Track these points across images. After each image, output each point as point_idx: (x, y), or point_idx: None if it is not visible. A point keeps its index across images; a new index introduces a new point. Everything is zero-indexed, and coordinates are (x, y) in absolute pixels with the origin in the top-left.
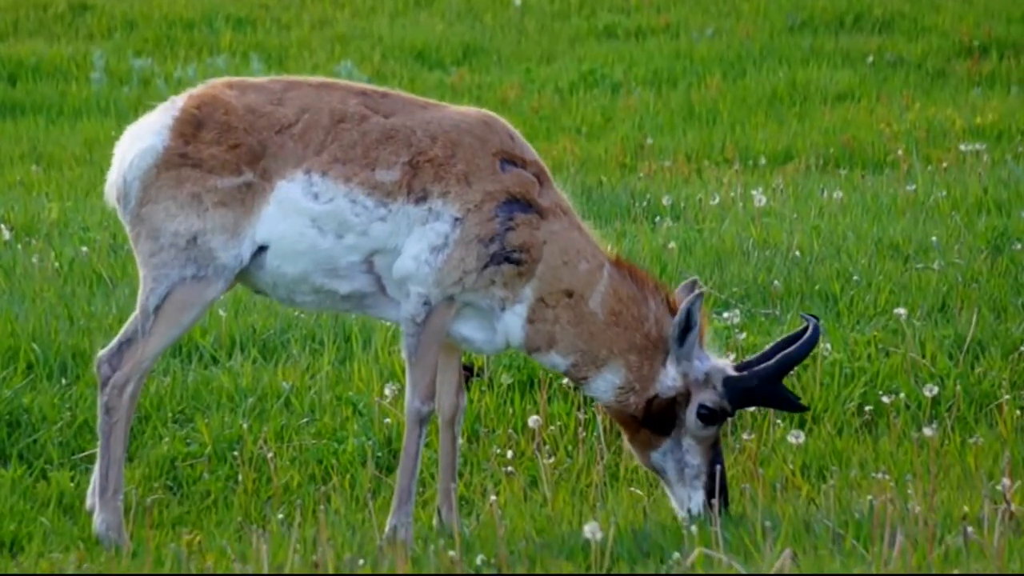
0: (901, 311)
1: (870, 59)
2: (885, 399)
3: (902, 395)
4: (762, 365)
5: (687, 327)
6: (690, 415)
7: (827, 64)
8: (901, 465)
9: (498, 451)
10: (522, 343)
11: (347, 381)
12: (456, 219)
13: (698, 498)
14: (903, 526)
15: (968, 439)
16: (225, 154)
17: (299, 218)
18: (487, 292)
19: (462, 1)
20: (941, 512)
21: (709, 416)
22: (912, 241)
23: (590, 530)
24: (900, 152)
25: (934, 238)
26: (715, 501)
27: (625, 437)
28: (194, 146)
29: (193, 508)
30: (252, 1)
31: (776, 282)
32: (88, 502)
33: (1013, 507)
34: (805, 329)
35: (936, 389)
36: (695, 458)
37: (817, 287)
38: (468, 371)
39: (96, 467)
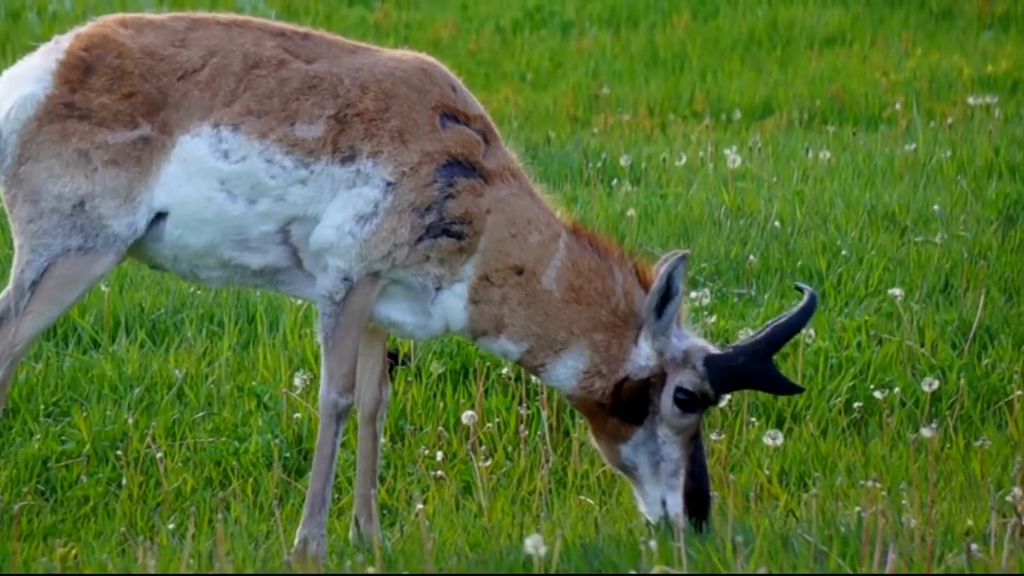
0: (897, 292)
1: None
2: (877, 394)
3: (897, 390)
4: (749, 340)
5: (667, 295)
6: (666, 400)
7: (814, 1)
8: (895, 471)
9: (426, 452)
10: (465, 327)
11: (250, 369)
12: (388, 184)
13: (676, 499)
14: (896, 542)
15: (973, 441)
16: (118, 104)
17: (205, 180)
18: (419, 269)
19: None
20: (941, 526)
21: (688, 401)
22: (911, 210)
23: (532, 544)
24: (898, 106)
25: (936, 206)
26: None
27: (591, 431)
28: (81, 94)
29: (69, 516)
30: None
31: (752, 257)
32: None
33: None
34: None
35: (936, 383)
36: (673, 451)
37: (799, 263)
38: (393, 358)
39: None
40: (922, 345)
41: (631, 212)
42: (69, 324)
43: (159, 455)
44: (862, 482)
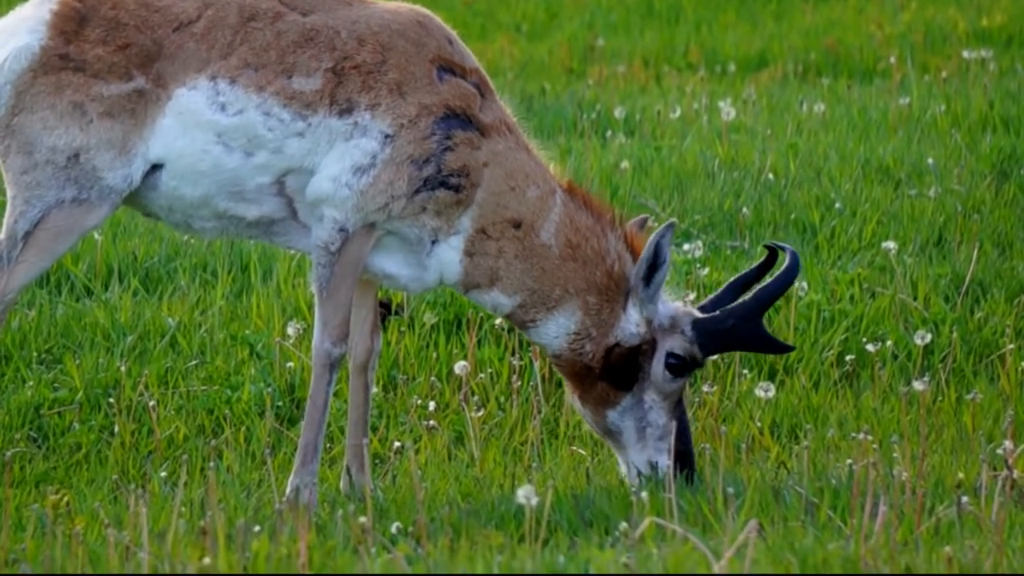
0: (890, 245)
1: None
2: (869, 347)
3: (889, 343)
4: (738, 302)
5: (655, 264)
6: (657, 366)
7: None
8: (886, 424)
9: (418, 402)
10: (459, 280)
11: (243, 318)
12: (387, 136)
13: (664, 462)
14: (887, 495)
15: (965, 395)
16: (113, 56)
17: (202, 132)
18: (416, 220)
19: None
20: (932, 479)
21: (679, 366)
22: (905, 163)
23: (524, 495)
24: (893, 59)
25: (930, 160)
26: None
27: (574, 395)
28: (76, 46)
29: (61, 463)
30: None
31: (745, 209)
32: None
33: (1015, 474)
34: (768, 261)
35: (929, 336)
36: (660, 416)
37: (793, 216)
38: (385, 308)
39: None
40: (915, 298)
41: (625, 164)
42: (62, 272)
43: (151, 403)
44: (853, 435)
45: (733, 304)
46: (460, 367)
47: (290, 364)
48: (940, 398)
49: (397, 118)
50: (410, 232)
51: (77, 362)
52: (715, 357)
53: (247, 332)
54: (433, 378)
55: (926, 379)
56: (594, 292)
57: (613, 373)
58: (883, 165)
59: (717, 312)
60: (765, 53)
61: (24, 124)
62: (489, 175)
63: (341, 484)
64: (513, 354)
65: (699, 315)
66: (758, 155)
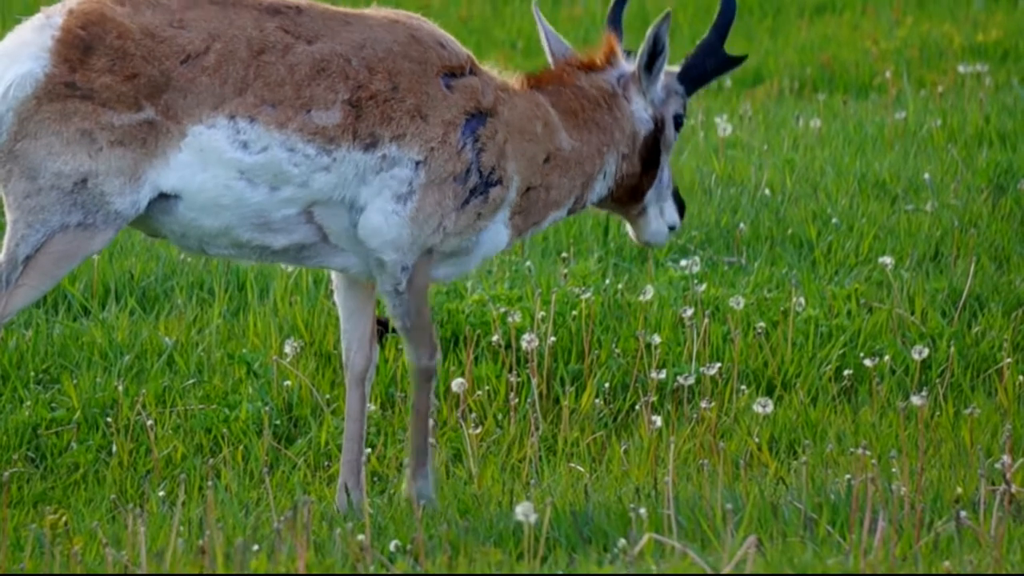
0: (887, 260)
1: None
2: (867, 362)
3: (887, 358)
4: (703, 41)
5: (655, 52)
6: (670, 132)
7: None
8: (885, 439)
9: None
10: (508, 243)
11: (240, 337)
12: (417, 163)
13: (672, 208)
14: (886, 510)
15: (963, 409)
16: (121, 85)
17: (224, 169)
18: (473, 227)
19: None
20: (930, 494)
21: (682, 121)
22: (901, 178)
23: (523, 511)
24: (888, 74)
25: (927, 175)
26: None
27: (620, 205)
28: (82, 74)
29: (59, 483)
30: None
31: (742, 225)
32: None
33: (1013, 489)
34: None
35: (926, 351)
36: (667, 171)
37: (790, 231)
38: (383, 326)
39: None
40: (912, 313)
41: None
42: (59, 291)
43: (149, 422)
44: (852, 450)
45: (700, 47)
46: (457, 384)
47: (287, 382)
48: (938, 413)
49: (426, 143)
50: (465, 244)
51: (74, 382)
52: (711, 373)
53: (244, 351)
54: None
55: (924, 394)
56: (614, 130)
57: (647, 163)
58: (879, 180)
59: (691, 60)
60: (761, 69)
61: (27, 150)
62: (513, 147)
63: (336, 502)
64: (511, 371)
65: (678, 70)
66: (754, 171)
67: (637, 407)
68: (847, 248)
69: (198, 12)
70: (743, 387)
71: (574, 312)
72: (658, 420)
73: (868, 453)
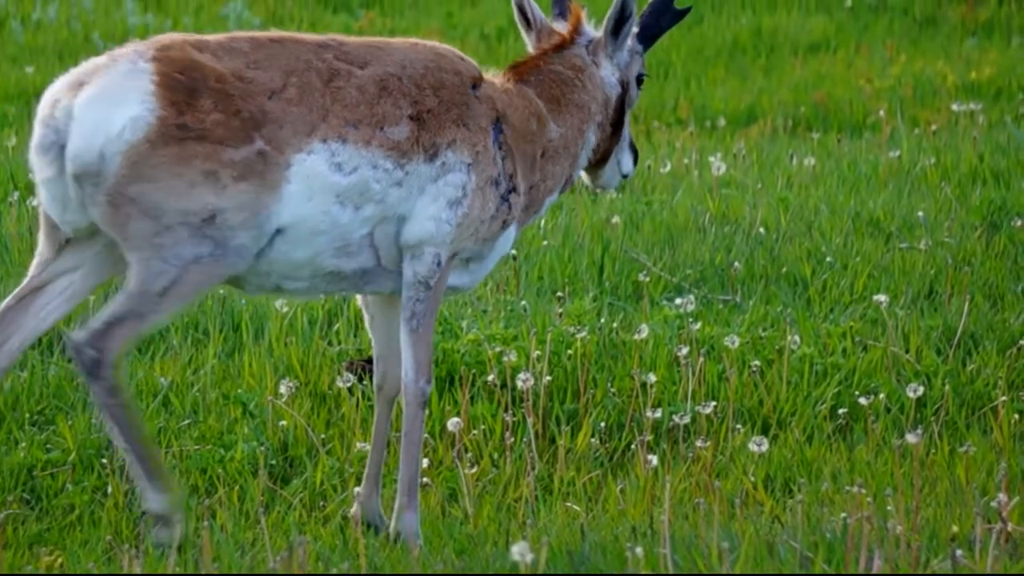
0: (882, 298)
1: (848, 3)
2: (862, 400)
3: (882, 396)
4: (652, 3)
5: (623, 18)
6: (633, 92)
7: (798, 8)
8: (880, 477)
9: None
10: (517, 238)
11: (235, 377)
12: (468, 165)
13: (628, 158)
14: (882, 548)
15: (958, 447)
16: (231, 121)
17: (324, 195)
18: (496, 234)
19: None
20: (926, 532)
21: (643, 78)
22: (895, 216)
23: (519, 551)
24: (882, 112)
25: (921, 213)
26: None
27: (589, 166)
28: (192, 116)
29: (54, 524)
30: None
31: (736, 264)
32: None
33: (1009, 527)
34: None
35: (921, 389)
36: (627, 126)
37: (784, 270)
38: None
39: (131, 461)
40: (907, 351)
41: (616, 219)
42: (54, 332)
43: None
44: (847, 488)
45: (653, 5)
46: (453, 424)
47: (283, 423)
48: (933, 451)
49: (472, 147)
50: (483, 249)
51: (70, 423)
52: (707, 412)
53: (240, 391)
54: (427, 435)
55: (919, 432)
56: (591, 106)
57: (616, 127)
58: (874, 218)
59: (646, 19)
60: (755, 108)
61: (145, 193)
62: (518, 150)
63: (353, 510)
64: (506, 410)
65: (634, 31)
66: (749, 209)
67: (633, 446)
68: (842, 286)
69: (265, 52)
70: (738, 426)
71: (569, 351)
72: (654, 459)
73: (864, 491)
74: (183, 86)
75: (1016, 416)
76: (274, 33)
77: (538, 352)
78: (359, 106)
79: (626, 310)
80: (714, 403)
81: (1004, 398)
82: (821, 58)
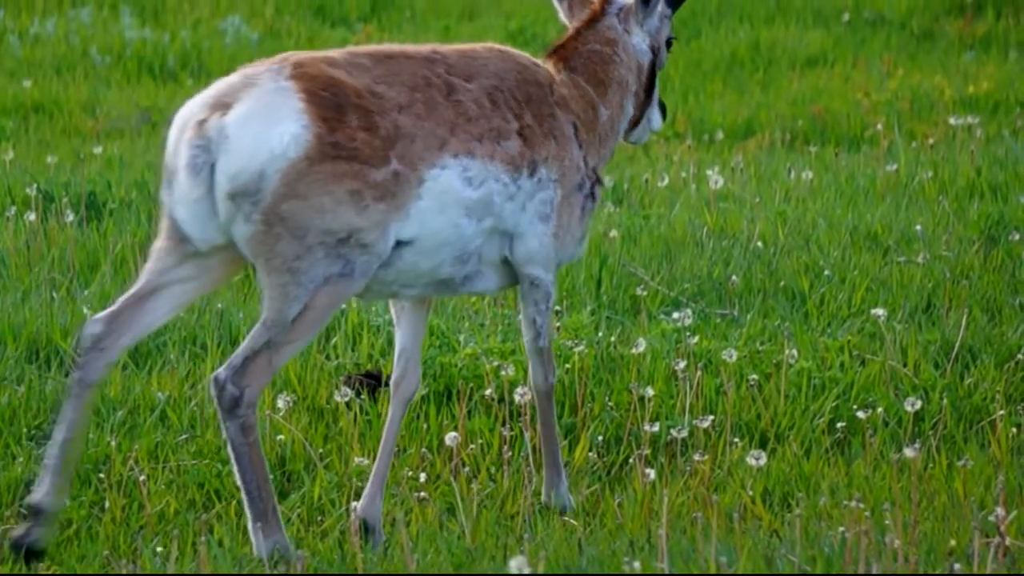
0: (880, 312)
1: (845, 17)
2: (860, 414)
3: (880, 410)
4: None
5: None
6: (663, 56)
7: (795, 23)
8: (878, 491)
9: (410, 473)
10: None
11: None
12: (554, 180)
13: (657, 114)
14: (880, 562)
15: (956, 461)
16: (373, 141)
17: (455, 208)
18: (587, 229)
19: None
20: (924, 546)
21: (671, 40)
22: (893, 230)
23: (516, 565)
24: (880, 126)
25: (918, 227)
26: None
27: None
28: (343, 133)
29: (51, 539)
30: None
31: (734, 277)
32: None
33: (1008, 541)
34: None
35: (919, 403)
36: (656, 87)
37: (782, 283)
38: (375, 380)
39: (246, 502)
40: (905, 365)
41: (614, 233)
42: (51, 346)
43: (142, 478)
44: (845, 502)
45: None
46: (451, 438)
47: (280, 437)
48: (931, 465)
49: (560, 162)
50: (582, 248)
51: None
52: (705, 426)
53: None
54: (424, 449)
55: (917, 446)
56: (627, 80)
57: (648, 91)
58: (871, 232)
59: None
60: (752, 121)
61: (296, 211)
62: (587, 142)
63: (353, 519)
64: (504, 425)
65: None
66: (746, 223)
67: (630, 460)
68: (839, 300)
69: (386, 67)
70: (736, 440)
71: (567, 365)
72: (651, 473)
73: (861, 505)
74: (330, 103)
75: (1014, 430)
76: (384, 47)
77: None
78: (479, 120)
79: (624, 324)
80: (712, 417)
81: (1002, 412)
82: (819, 72)
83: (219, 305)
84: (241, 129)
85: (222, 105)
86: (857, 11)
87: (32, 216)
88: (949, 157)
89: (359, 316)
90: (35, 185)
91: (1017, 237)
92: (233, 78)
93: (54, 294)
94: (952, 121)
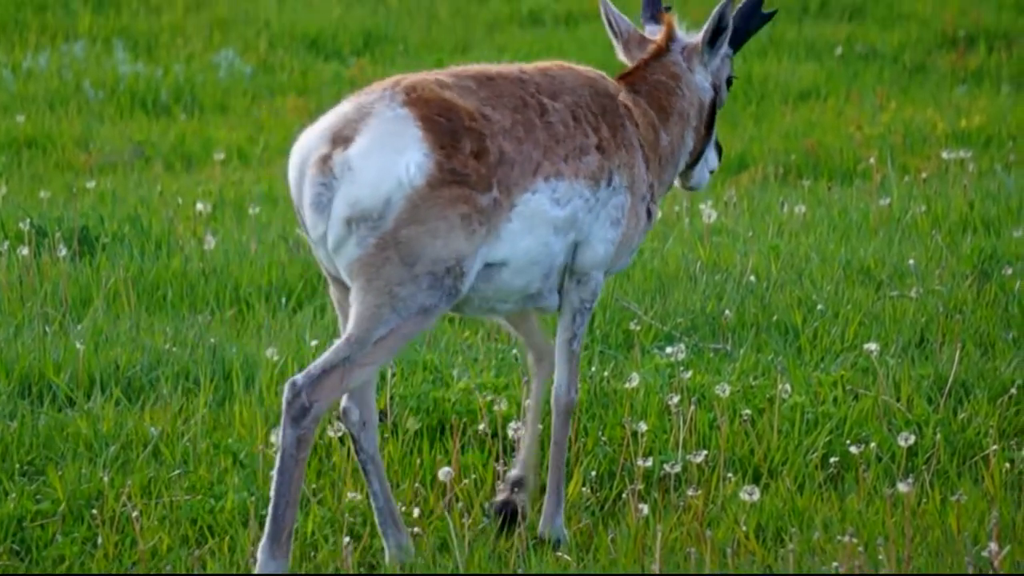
0: (872, 346)
1: (838, 51)
2: (853, 449)
3: (873, 445)
4: (745, 3)
5: (720, 28)
6: (723, 94)
7: (788, 56)
8: (872, 526)
9: (403, 508)
10: None
11: (226, 427)
12: (627, 187)
13: (714, 154)
14: None
15: (950, 496)
16: (480, 167)
17: (544, 228)
18: (640, 242)
19: None
20: None
21: (732, 79)
22: (886, 264)
23: None
24: (872, 160)
25: (911, 261)
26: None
27: (684, 170)
28: (459, 159)
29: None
30: None
31: (727, 312)
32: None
33: None
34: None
35: (913, 438)
36: (715, 126)
37: (775, 318)
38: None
39: (271, 516)
40: (898, 400)
41: None
42: (44, 382)
43: (135, 514)
44: (839, 537)
45: (742, 9)
46: (444, 473)
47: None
48: (925, 500)
49: (630, 169)
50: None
51: (59, 473)
52: (698, 461)
53: (230, 440)
54: (417, 484)
55: (910, 481)
56: (688, 114)
57: (708, 128)
58: (864, 266)
59: (736, 23)
60: (745, 155)
61: (412, 237)
62: (649, 160)
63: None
64: (497, 460)
65: (726, 41)
66: (740, 257)
67: (624, 495)
68: (832, 334)
69: (488, 90)
70: (730, 474)
71: None
72: (645, 508)
73: (855, 540)
74: (445, 129)
75: (1007, 465)
76: (481, 67)
77: (529, 401)
78: (565, 140)
79: (617, 358)
80: (705, 452)
81: (995, 447)
82: (811, 105)
83: (212, 340)
84: (365, 161)
85: (342, 139)
86: (850, 45)
87: (25, 251)
88: (942, 191)
89: None
90: (28, 220)
91: (1010, 271)
92: (346, 108)
93: (47, 328)
94: (945, 155)
